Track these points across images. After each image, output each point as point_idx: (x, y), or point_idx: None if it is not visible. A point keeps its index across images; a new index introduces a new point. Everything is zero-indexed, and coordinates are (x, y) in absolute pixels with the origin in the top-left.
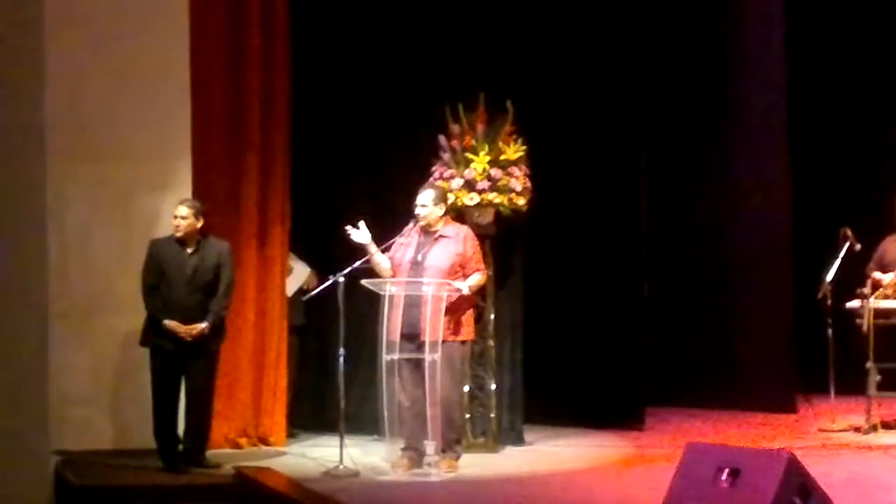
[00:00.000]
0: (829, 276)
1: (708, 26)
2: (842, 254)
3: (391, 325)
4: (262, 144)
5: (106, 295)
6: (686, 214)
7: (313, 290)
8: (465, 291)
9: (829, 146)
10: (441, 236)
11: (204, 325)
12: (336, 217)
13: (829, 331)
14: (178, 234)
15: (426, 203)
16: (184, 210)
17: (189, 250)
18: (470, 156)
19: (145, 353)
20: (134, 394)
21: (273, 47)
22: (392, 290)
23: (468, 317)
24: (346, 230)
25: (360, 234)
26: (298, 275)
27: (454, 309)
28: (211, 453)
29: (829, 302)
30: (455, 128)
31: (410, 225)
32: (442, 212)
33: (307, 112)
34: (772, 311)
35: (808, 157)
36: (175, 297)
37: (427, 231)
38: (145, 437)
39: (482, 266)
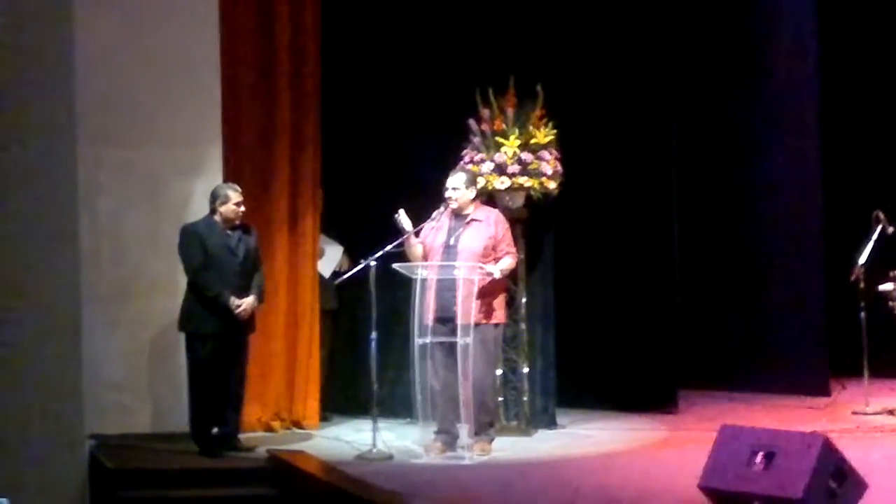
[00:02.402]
0: (862, 259)
1: (741, 11)
2: (875, 236)
3: (424, 308)
4: (293, 128)
5: (138, 279)
6: (718, 197)
7: (345, 272)
8: (497, 275)
9: (861, 128)
10: (473, 220)
11: (252, 297)
12: (366, 201)
13: (862, 314)
14: (238, 221)
15: (458, 186)
16: (240, 197)
17: (233, 234)
18: (500, 139)
19: (178, 336)
20: (168, 378)
21: (303, 32)
22: (424, 273)
23: (500, 300)
24: (398, 213)
25: (405, 220)
26: (332, 256)
27: (486, 292)
28: (244, 437)
29: (862, 285)
30: (485, 112)
31: (441, 209)
32: (473, 195)
33: (337, 96)
34: (805, 295)
35: (840, 139)
36: (225, 279)
37: (458, 215)
38: (179, 421)
39: (513, 249)
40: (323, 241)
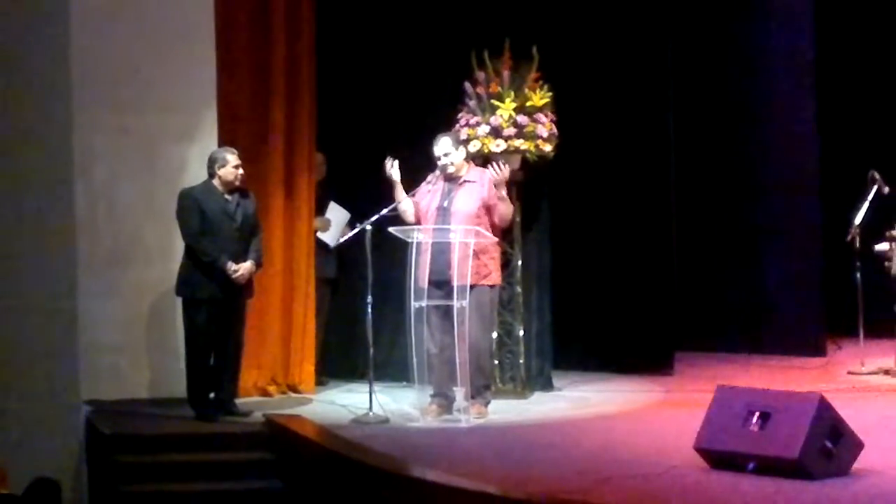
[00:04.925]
0: (858, 219)
1: None
2: (870, 197)
3: (419, 272)
4: (287, 93)
5: (133, 245)
6: (714, 158)
7: (343, 238)
8: (495, 239)
9: (856, 88)
10: (465, 181)
11: (249, 262)
12: (361, 166)
13: (858, 274)
14: (237, 184)
15: (448, 151)
16: (238, 160)
17: (231, 199)
18: (496, 102)
19: (175, 302)
20: (164, 343)
21: None
22: (420, 237)
23: (496, 261)
24: (385, 162)
25: (394, 170)
26: (339, 224)
27: (482, 251)
28: (241, 401)
29: (858, 245)
30: (480, 74)
31: (437, 172)
32: (464, 155)
33: (332, 60)
34: (800, 255)
35: (836, 99)
36: (223, 244)
37: (451, 177)
38: (176, 386)
39: (507, 200)
40: (332, 208)
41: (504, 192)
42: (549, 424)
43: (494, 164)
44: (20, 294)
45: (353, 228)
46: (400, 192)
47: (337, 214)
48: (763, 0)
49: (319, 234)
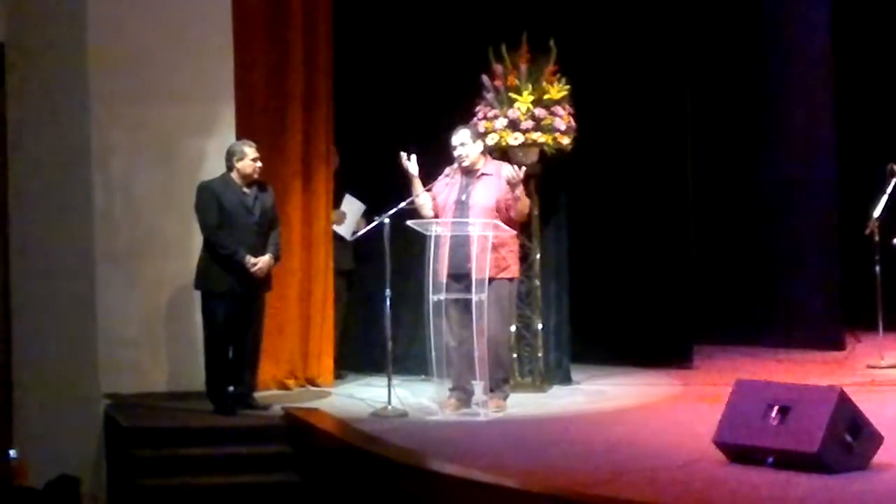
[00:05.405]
0: (877, 213)
1: None
2: (889, 190)
3: (438, 265)
4: (306, 85)
5: (151, 238)
6: (734, 152)
7: (360, 231)
8: (514, 232)
9: (875, 81)
10: (483, 174)
11: (268, 256)
12: (380, 158)
13: (877, 267)
14: (255, 177)
15: (465, 142)
16: (256, 153)
17: (249, 192)
18: (513, 95)
19: (193, 295)
20: (182, 336)
21: None
22: (438, 230)
23: (514, 254)
24: (399, 155)
25: (411, 164)
26: (354, 216)
27: (500, 245)
28: (259, 395)
29: (877, 238)
30: (498, 67)
31: (455, 165)
32: (481, 148)
33: (349, 53)
34: (819, 249)
35: (854, 92)
36: (241, 237)
37: (469, 171)
38: (195, 380)
39: (524, 193)
40: (347, 201)
41: (519, 192)
42: (568, 418)
43: (510, 166)
44: (38, 288)
45: (368, 220)
46: (417, 185)
47: (352, 207)
48: None
49: (335, 227)
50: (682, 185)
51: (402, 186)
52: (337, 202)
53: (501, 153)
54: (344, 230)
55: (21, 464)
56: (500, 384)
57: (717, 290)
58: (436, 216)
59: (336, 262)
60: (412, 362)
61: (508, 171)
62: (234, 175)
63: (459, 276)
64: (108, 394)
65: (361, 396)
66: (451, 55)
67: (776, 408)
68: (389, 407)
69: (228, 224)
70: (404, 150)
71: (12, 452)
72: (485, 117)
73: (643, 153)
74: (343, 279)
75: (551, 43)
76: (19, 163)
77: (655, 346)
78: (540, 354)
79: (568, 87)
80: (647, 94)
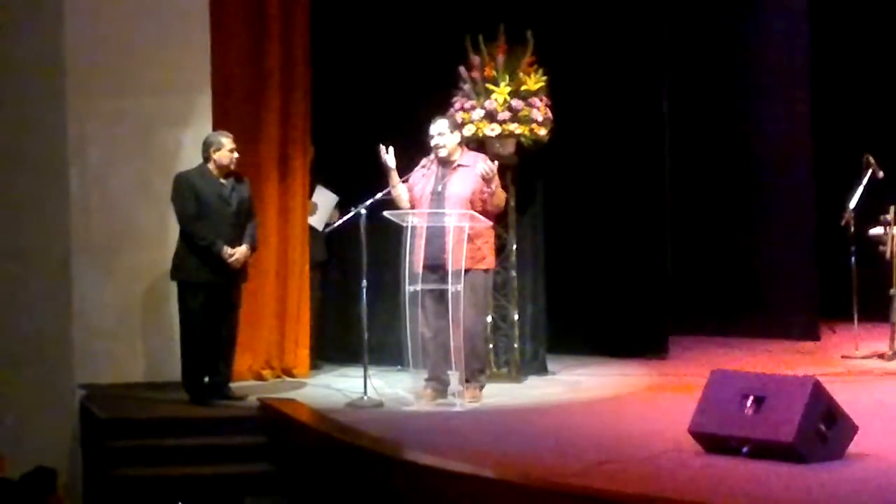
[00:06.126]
0: (852, 204)
1: None
2: (865, 181)
3: (414, 256)
4: (282, 77)
5: (128, 229)
6: (709, 143)
7: (335, 222)
8: (490, 223)
9: (851, 72)
10: (459, 165)
11: (245, 247)
12: (356, 149)
13: (852, 258)
14: (232, 168)
15: (443, 131)
16: (233, 143)
17: (226, 183)
18: (490, 87)
19: (170, 286)
20: (158, 327)
21: None
22: (414, 221)
23: (490, 245)
24: (379, 148)
25: (389, 157)
26: (326, 208)
27: (476, 235)
28: (235, 385)
29: (852, 229)
30: (475, 59)
31: (431, 156)
32: (458, 139)
33: (327, 44)
34: (794, 239)
35: (830, 83)
36: (218, 228)
37: (445, 161)
38: (170, 370)
39: (500, 187)
40: (319, 192)
41: (494, 186)
42: (544, 408)
43: (485, 161)
44: (15, 278)
45: (341, 212)
46: (394, 178)
47: (324, 198)
48: None
49: (309, 220)
50: (658, 176)
51: (377, 178)
52: (309, 194)
53: (478, 144)
54: (316, 221)
55: (0, 458)
56: (476, 375)
57: (693, 280)
58: (412, 207)
59: (309, 253)
60: (388, 353)
61: (482, 167)
62: (210, 166)
63: (435, 267)
64: (84, 384)
65: (337, 387)
66: (428, 46)
67: (751, 398)
68: (365, 397)
69: (205, 215)
70: (381, 142)
71: None
72: (462, 108)
73: (620, 145)
74: (317, 271)
75: (528, 34)
76: None
77: (631, 337)
78: (516, 345)
79: (545, 78)
80: (624, 87)
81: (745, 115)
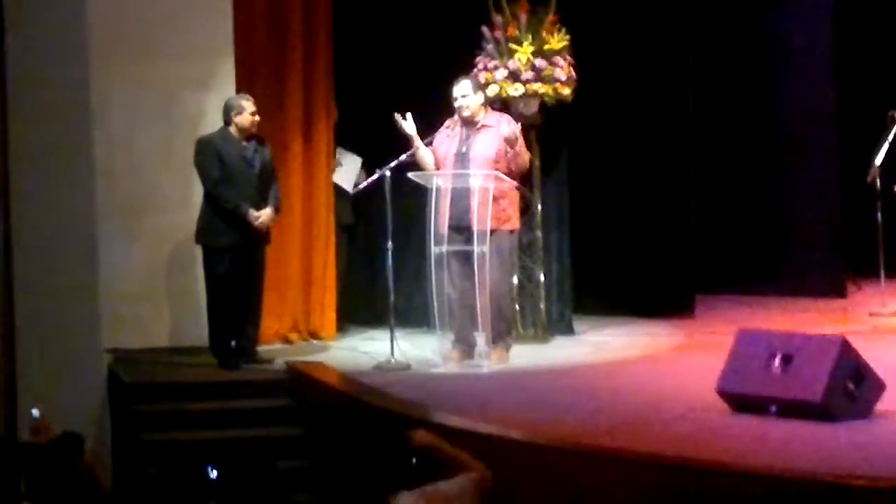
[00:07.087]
0: (878, 160)
1: None
2: (890, 137)
3: (439, 217)
4: (305, 38)
5: (152, 193)
6: (733, 100)
7: (362, 184)
8: (515, 184)
9: (876, 27)
10: (483, 126)
11: (270, 209)
12: (380, 111)
13: (878, 214)
14: (253, 131)
15: (466, 93)
16: (254, 107)
17: (248, 146)
18: (513, 46)
19: (195, 250)
20: (185, 291)
21: None
22: (439, 182)
23: (515, 206)
24: (395, 118)
25: (408, 124)
26: (351, 168)
27: (501, 196)
28: (262, 349)
29: (878, 186)
30: (498, 18)
31: (455, 118)
32: (482, 100)
33: (349, 5)
34: (820, 196)
35: (854, 38)
36: (242, 191)
37: (469, 122)
38: (197, 335)
39: (524, 149)
40: (341, 153)
41: (518, 148)
42: (570, 369)
43: (509, 123)
44: (40, 244)
45: (367, 173)
46: (416, 141)
47: (347, 158)
48: None
49: (336, 180)
50: (683, 135)
51: (401, 140)
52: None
53: (502, 104)
54: (346, 182)
55: (44, 422)
56: (502, 336)
57: (718, 239)
58: (437, 169)
59: (336, 215)
60: (414, 315)
61: (506, 128)
62: (232, 129)
63: (460, 228)
64: (111, 349)
65: (364, 350)
66: (450, 6)
67: (779, 357)
68: (392, 360)
69: (229, 178)
70: (404, 105)
71: (35, 412)
72: (485, 68)
73: (644, 103)
74: (343, 233)
75: None
76: (20, 121)
77: (657, 297)
78: (542, 306)
79: (568, 37)
80: (648, 45)
81: (770, 69)
